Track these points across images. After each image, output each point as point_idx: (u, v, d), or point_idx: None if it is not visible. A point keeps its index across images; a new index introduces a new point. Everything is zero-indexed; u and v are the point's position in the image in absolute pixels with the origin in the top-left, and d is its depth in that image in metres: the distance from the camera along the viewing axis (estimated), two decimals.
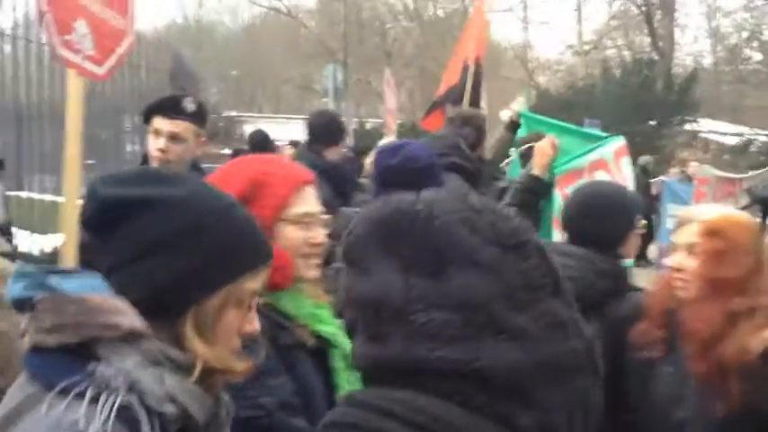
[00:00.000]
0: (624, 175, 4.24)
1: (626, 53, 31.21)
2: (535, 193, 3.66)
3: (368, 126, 29.47)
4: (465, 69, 7.10)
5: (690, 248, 2.36)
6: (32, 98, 6.01)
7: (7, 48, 5.39)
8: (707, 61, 34.63)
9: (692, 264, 2.34)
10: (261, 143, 8.44)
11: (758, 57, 31.92)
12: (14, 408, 1.19)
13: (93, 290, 1.24)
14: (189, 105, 3.27)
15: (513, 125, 5.02)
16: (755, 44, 31.26)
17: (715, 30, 34.48)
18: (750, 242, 2.31)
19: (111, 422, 1.13)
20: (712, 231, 2.29)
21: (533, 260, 1.03)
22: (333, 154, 4.62)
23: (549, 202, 3.82)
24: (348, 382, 1.91)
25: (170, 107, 3.25)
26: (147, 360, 1.22)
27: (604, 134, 4.57)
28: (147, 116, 3.27)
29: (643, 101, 23.45)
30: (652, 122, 23.76)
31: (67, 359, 1.19)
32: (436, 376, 0.98)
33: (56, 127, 6.37)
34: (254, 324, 1.39)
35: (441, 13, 33.99)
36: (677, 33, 31.29)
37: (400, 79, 30.49)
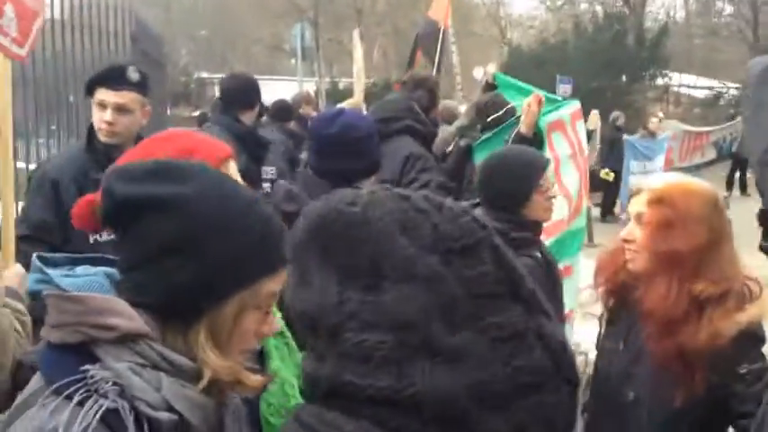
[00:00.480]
0: (580, 137, 4.36)
1: (598, 8, 31.08)
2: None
3: (341, 86, 29.26)
4: (438, 31, 7.20)
5: (638, 218, 2.26)
6: None
7: None
8: (679, 15, 34.65)
9: (640, 234, 2.24)
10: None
11: (729, 9, 31.96)
12: (24, 399, 1.20)
13: (96, 289, 1.23)
14: (133, 75, 3.19)
15: (490, 87, 5.05)
16: None
17: None
18: (703, 212, 2.15)
19: (91, 429, 1.10)
20: (659, 200, 2.17)
21: (484, 266, 0.93)
22: (248, 117, 4.54)
23: None
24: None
25: (114, 78, 3.18)
26: (144, 363, 1.18)
27: (560, 98, 4.68)
28: (90, 88, 3.21)
29: (614, 56, 23.47)
30: (623, 77, 23.82)
31: (68, 357, 1.18)
32: (368, 402, 0.90)
33: None
34: (273, 325, 1.34)
35: None
36: None
37: (373, 37, 30.21)
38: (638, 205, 2.27)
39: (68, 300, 1.20)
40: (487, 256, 0.93)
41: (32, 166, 4.37)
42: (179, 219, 1.21)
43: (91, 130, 3.26)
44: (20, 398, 1.22)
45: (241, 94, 4.56)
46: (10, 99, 2.75)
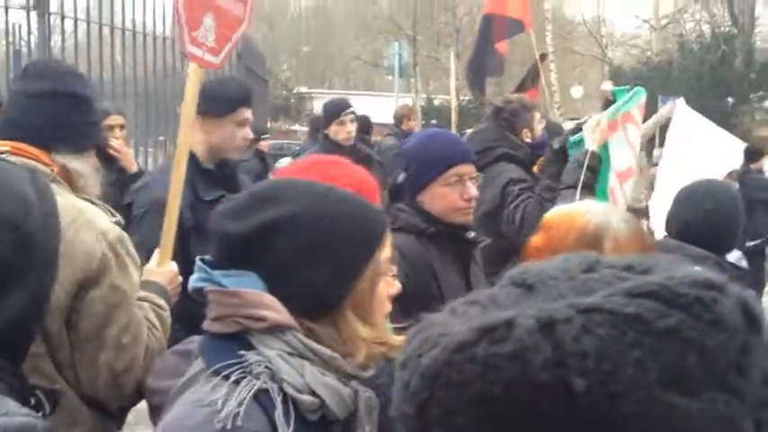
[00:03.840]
0: (641, 126, 4.34)
1: (704, 27, 30.16)
2: (595, 170, 3.69)
3: (436, 102, 29.34)
4: (521, 30, 7.07)
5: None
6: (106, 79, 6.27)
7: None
8: None
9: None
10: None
11: None
12: (186, 381, 1.40)
13: (250, 286, 1.38)
14: (250, 92, 3.40)
15: (608, 103, 5.01)
16: None
17: None
18: (574, 249, 1.88)
19: (245, 403, 1.28)
20: (541, 226, 2.04)
21: None
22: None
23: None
24: None
25: (250, 97, 3.31)
26: (291, 351, 1.36)
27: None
28: (232, 107, 3.19)
29: (721, 77, 22.72)
30: (730, 99, 23.02)
31: (226, 345, 1.38)
32: None
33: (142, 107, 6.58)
34: (396, 285, 1.56)
35: None
36: (759, 6, 30.04)
37: (466, 57, 30.19)
38: None
39: (228, 294, 1.38)
40: None
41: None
42: (298, 231, 1.38)
43: (192, 155, 3.00)
44: (181, 380, 1.41)
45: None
46: (194, 111, 2.68)
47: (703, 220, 2.96)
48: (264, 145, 8.61)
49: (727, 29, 27.57)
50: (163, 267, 2.45)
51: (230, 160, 3.32)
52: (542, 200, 3.66)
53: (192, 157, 2.95)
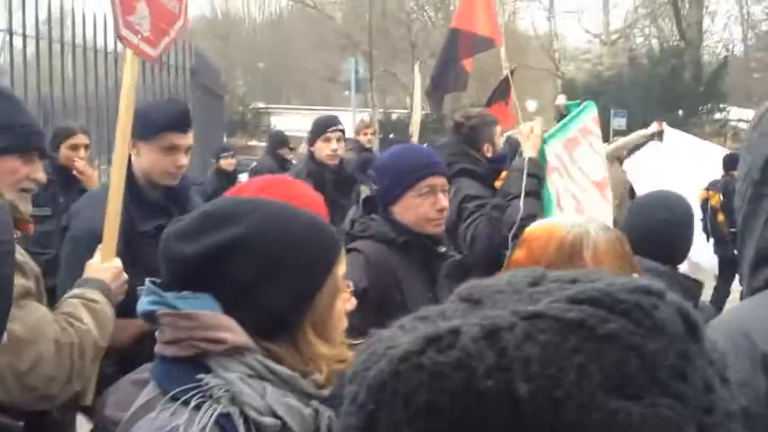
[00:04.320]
0: (600, 137, 4.43)
1: (654, 41, 30.85)
2: (538, 176, 3.72)
3: (393, 117, 29.47)
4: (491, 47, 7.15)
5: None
6: (57, 95, 6.15)
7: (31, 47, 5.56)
8: (737, 49, 34.17)
9: None
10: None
11: None
12: (140, 407, 1.35)
13: (204, 307, 1.35)
14: (190, 116, 3.09)
15: (562, 117, 5.05)
16: None
17: (746, 16, 33.96)
18: (554, 260, 1.91)
19: (208, 429, 1.24)
20: (522, 240, 2.04)
21: None
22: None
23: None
24: None
25: (184, 121, 2.99)
26: (250, 373, 1.33)
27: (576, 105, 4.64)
28: (155, 131, 2.91)
29: (671, 90, 23.24)
30: (680, 112, 23.54)
31: (182, 369, 1.33)
32: None
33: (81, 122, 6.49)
34: (352, 301, 1.57)
35: None
36: (707, 21, 30.86)
37: (426, 70, 30.43)
38: None
39: (183, 317, 1.34)
40: None
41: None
42: (250, 254, 1.35)
43: (130, 179, 2.83)
44: (133, 407, 1.37)
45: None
46: (133, 100, 2.59)
47: (656, 231, 3.00)
48: (226, 163, 8.58)
49: (675, 43, 28.23)
50: (105, 264, 2.40)
51: (181, 185, 3.08)
52: (491, 218, 3.68)
53: (133, 184, 2.80)
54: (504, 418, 0.57)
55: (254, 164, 9.25)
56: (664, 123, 7.63)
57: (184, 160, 3.00)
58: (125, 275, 2.35)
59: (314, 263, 1.40)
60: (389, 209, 2.86)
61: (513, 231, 3.39)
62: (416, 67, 7.92)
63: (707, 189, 9.01)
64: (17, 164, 2.25)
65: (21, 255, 2.00)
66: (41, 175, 2.36)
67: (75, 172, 4.34)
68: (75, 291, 2.23)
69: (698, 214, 4.12)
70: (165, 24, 2.80)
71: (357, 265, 2.69)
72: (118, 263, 2.42)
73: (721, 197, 8.74)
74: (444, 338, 0.60)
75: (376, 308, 2.64)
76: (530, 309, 0.61)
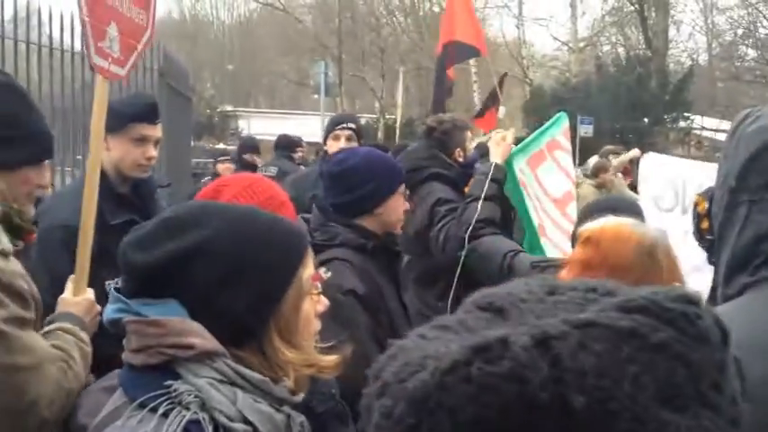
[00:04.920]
0: (570, 151, 4.45)
1: (620, 50, 31.24)
2: (501, 182, 3.74)
3: (362, 121, 29.46)
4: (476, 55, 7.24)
5: (568, 260, 2.12)
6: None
7: None
8: (702, 58, 34.74)
9: (566, 276, 2.02)
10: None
11: (753, 54, 31.99)
12: (107, 415, 1.31)
13: (171, 314, 1.31)
14: (158, 108, 3.20)
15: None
16: (750, 41, 31.31)
17: (710, 26, 34.56)
18: (630, 258, 1.94)
19: None
20: (586, 240, 2.02)
21: None
22: None
23: (512, 188, 3.95)
24: None
25: (153, 113, 3.12)
26: (221, 379, 1.30)
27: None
28: (122, 123, 3.00)
29: (637, 98, 23.55)
30: (646, 120, 23.87)
31: (150, 376, 1.30)
32: None
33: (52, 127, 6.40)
34: (323, 301, 1.52)
35: (436, 8, 34.00)
36: (672, 30, 31.33)
37: (395, 75, 30.48)
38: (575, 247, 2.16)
39: (150, 324, 1.31)
40: None
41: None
42: (212, 258, 1.32)
43: (102, 174, 2.73)
44: (100, 415, 1.33)
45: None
46: (103, 123, 2.53)
47: None
48: (224, 168, 8.53)
49: (641, 51, 28.62)
50: (78, 297, 2.31)
51: (147, 182, 3.18)
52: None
53: (103, 177, 2.75)
54: (555, 431, 0.54)
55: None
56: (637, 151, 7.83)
57: (153, 152, 3.09)
58: (98, 308, 2.25)
59: (277, 267, 1.37)
60: (376, 211, 2.86)
61: (467, 233, 3.43)
62: (401, 72, 8.06)
63: (699, 194, 9.18)
64: (31, 173, 2.18)
65: (22, 280, 1.89)
66: (47, 180, 2.32)
67: None
68: (65, 325, 2.11)
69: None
70: (133, 40, 2.76)
71: (348, 272, 2.68)
72: (90, 295, 2.32)
73: (707, 204, 8.88)
74: (493, 348, 0.57)
75: (370, 309, 2.68)
76: (581, 317, 0.58)
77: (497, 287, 0.68)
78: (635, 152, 9.03)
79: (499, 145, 3.87)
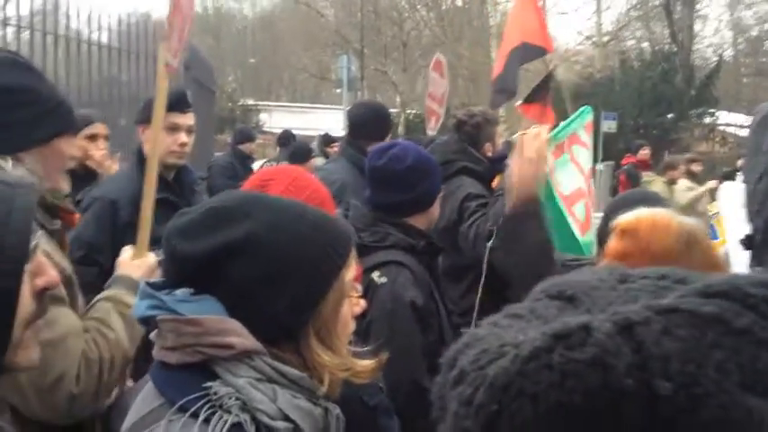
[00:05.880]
0: (589, 146, 4.38)
1: (645, 45, 30.93)
2: None
3: None
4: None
5: (605, 253, 2.08)
6: None
7: (25, 37, 5.47)
8: (727, 53, 34.33)
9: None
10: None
11: None
12: (140, 420, 1.28)
13: (211, 312, 1.28)
14: (189, 98, 3.35)
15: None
16: None
17: (736, 21, 34.14)
18: (668, 248, 1.92)
19: None
20: (623, 231, 2.00)
21: None
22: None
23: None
24: None
25: (184, 102, 3.25)
26: (260, 377, 1.28)
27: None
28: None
29: (662, 94, 23.31)
30: (670, 116, 23.63)
31: (188, 376, 1.27)
32: None
33: None
34: (361, 304, 1.52)
35: (459, 2, 33.88)
36: (698, 25, 30.98)
37: (417, 69, 30.41)
38: (610, 240, 2.12)
39: (186, 322, 1.27)
40: None
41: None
42: (254, 256, 1.28)
43: (140, 154, 3.24)
44: (133, 416, 1.30)
45: (368, 124, 4.36)
46: (163, 116, 2.62)
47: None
48: (248, 148, 8.64)
49: (666, 46, 28.32)
50: (137, 260, 2.27)
51: (188, 172, 3.41)
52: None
53: (143, 159, 2.98)
54: (639, 417, 0.54)
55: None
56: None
57: (185, 138, 3.26)
58: (159, 271, 2.23)
59: (321, 267, 1.33)
60: (428, 210, 2.87)
61: (495, 227, 3.40)
62: (442, 59, 8.06)
63: None
64: (63, 145, 2.14)
65: (49, 253, 1.84)
66: (76, 150, 2.33)
67: (91, 163, 4.06)
68: (109, 292, 2.10)
69: None
70: (181, 32, 2.78)
71: (407, 280, 2.64)
72: (152, 258, 2.29)
73: None
74: (574, 334, 0.56)
75: (425, 321, 2.65)
76: (663, 303, 0.58)
77: (565, 276, 0.68)
78: (711, 184, 9.02)
79: (535, 140, 3.79)
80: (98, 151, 4.11)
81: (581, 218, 4.04)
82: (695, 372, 0.55)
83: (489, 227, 3.46)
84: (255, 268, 1.28)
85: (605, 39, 31.63)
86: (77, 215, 2.23)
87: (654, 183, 8.92)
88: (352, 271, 1.41)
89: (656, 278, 0.64)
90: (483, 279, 3.42)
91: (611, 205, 3.23)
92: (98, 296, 2.13)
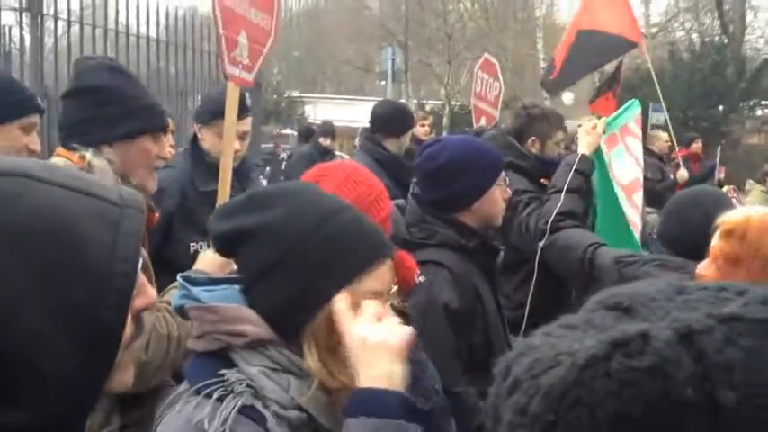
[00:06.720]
0: (640, 138, 4.35)
1: (694, 36, 30.30)
2: (586, 174, 3.60)
3: (427, 108, 29.29)
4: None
5: (711, 254, 2.05)
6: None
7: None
8: None
9: (711, 271, 2.03)
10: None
11: None
12: (171, 399, 1.35)
13: (229, 300, 1.32)
14: (247, 102, 3.41)
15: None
16: None
17: None
18: None
19: (231, 419, 1.22)
20: (730, 233, 1.95)
21: None
22: (393, 145, 4.64)
23: (600, 179, 3.84)
24: None
25: (242, 108, 3.26)
26: (274, 366, 1.29)
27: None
28: (211, 118, 3.31)
29: (712, 86, 22.81)
30: (720, 108, 23.13)
31: (207, 363, 1.32)
32: None
33: None
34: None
35: None
36: (749, 16, 30.22)
37: (461, 61, 30.22)
38: (714, 240, 2.08)
39: (206, 310, 1.32)
40: None
41: None
42: (269, 243, 1.31)
43: (195, 145, 3.40)
44: (168, 398, 1.36)
45: (387, 121, 4.74)
46: (234, 127, 2.82)
47: (695, 233, 2.82)
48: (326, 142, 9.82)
49: (717, 38, 27.70)
50: (212, 255, 2.36)
51: (243, 163, 3.49)
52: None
53: (199, 150, 3.29)
54: (701, 429, 0.52)
55: (288, 152, 10.04)
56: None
57: (239, 145, 3.31)
58: (232, 266, 2.35)
59: (331, 270, 1.31)
60: (473, 206, 2.74)
61: (548, 225, 3.32)
62: (487, 56, 8.19)
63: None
64: (150, 144, 2.33)
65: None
66: (167, 152, 2.52)
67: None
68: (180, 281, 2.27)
69: None
70: (259, 45, 2.98)
71: (444, 281, 2.57)
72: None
73: None
74: (633, 342, 0.55)
75: (461, 324, 2.55)
76: (725, 311, 0.56)
77: (621, 287, 0.66)
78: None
79: (589, 134, 3.70)
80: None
81: (640, 206, 3.99)
82: (760, 382, 0.53)
83: (541, 225, 3.38)
84: (266, 255, 1.31)
85: (653, 30, 31.07)
86: (156, 214, 2.38)
87: (752, 191, 8.83)
88: (377, 284, 1.35)
89: (715, 290, 0.62)
90: (534, 279, 3.37)
91: (678, 203, 3.06)
92: (172, 284, 2.25)
